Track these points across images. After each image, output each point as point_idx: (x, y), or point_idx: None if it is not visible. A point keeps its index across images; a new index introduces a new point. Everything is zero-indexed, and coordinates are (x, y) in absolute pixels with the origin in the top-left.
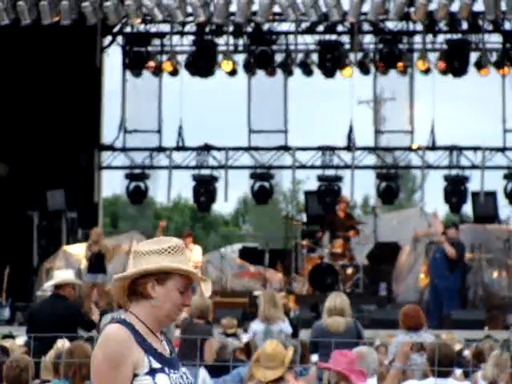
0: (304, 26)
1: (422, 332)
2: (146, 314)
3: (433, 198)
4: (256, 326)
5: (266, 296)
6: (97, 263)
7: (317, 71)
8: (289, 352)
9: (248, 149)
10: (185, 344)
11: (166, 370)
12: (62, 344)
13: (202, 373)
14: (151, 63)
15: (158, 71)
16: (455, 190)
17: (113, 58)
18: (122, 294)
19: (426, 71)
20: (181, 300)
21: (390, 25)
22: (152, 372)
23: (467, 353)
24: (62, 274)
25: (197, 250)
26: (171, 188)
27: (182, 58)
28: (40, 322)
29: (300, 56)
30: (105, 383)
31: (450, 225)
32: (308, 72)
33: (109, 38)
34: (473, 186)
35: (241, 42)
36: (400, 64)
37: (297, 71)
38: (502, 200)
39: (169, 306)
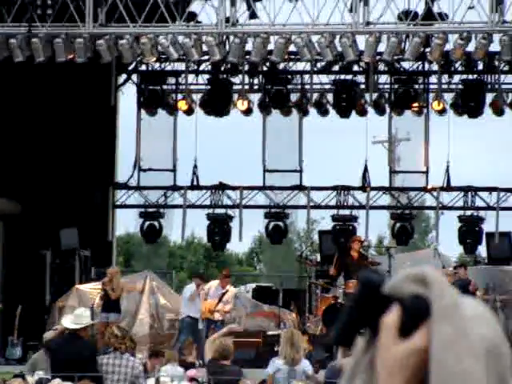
0: (319, 65)
1: None
2: None
3: (447, 238)
4: (278, 363)
5: (286, 335)
6: (110, 302)
7: (332, 111)
8: None
9: (263, 188)
10: None
11: None
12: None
13: None
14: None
15: (172, 110)
16: (470, 231)
17: (128, 97)
18: None
19: (442, 112)
20: None
21: (406, 65)
22: None
23: None
24: (83, 315)
25: (232, 293)
26: (185, 227)
27: (196, 97)
28: (60, 361)
29: (315, 95)
30: None
31: (459, 265)
32: (323, 111)
33: (123, 76)
34: (488, 226)
35: (256, 81)
36: (415, 104)
37: (312, 111)
38: None
39: None
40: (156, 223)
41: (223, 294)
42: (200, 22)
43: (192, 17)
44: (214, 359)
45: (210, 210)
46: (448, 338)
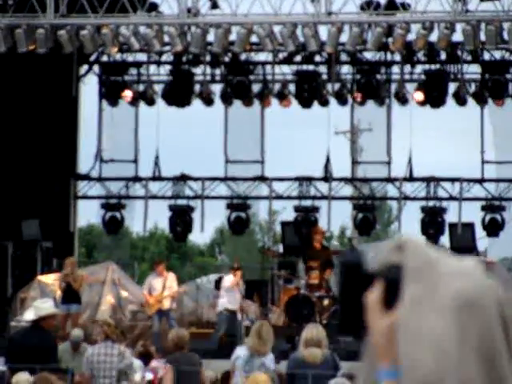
0: (281, 56)
1: None
2: None
3: (410, 229)
4: (240, 351)
5: (254, 326)
6: (71, 293)
7: (294, 101)
8: None
9: (224, 179)
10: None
11: None
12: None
13: None
14: (126, 95)
15: (134, 100)
16: (432, 222)
17: (89, 87)
18: None
19: (404, 102)
20: None
21: (368, 55)
22: None
23: None
24: (43, 306)
25: (171, 276)
26: (147, 218)
27: (158, 88)
28: (21, 353)
29: (277, 86)
30: None
31: None
32: (285, 102)
33: (85, 67)
34: (450, 217)
35: (218, 71)
36: (377, 95)
37: (274, 101)
38: (479, 232)
39: None
40: (118, 214)
41: (164, 280)
42: (161, 13)
43: (153, 7)
44: (170, 349)
45: (172, 201)
46: (415, 296)
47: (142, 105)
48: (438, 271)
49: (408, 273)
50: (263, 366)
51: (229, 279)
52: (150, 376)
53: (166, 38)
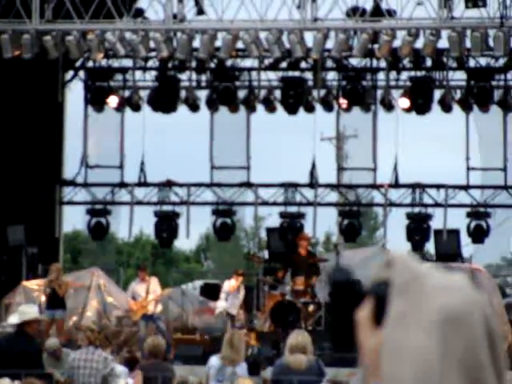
0: (267, 62)
1: None
2: None
3: (395, 235)
4: (213, 360)
5: (226, 336)
6: (55, 299)
7: (280, 107)
8: None
9: (210, 185)
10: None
11: None
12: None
13: None
14: (112, 101)
15: (120, 106)
16: (418, 228)
17: (75, 93)
18: None
19: (390, 108)
20: None
21: (354, 61)
22: None
23: None
24: (27, 311)
25: (154, 281)
26: (133, 224)
27: (144, 94)
28: (5, 358)
29: (263, 92)
30: None
31: None
32: (271, 108)
33: (71, 73)
34: (435, 223)
35: (204, 77)
36: (363, 101)
37: (260, 107)
38: (464, 238)
39: None
40: (103, 220)
41: (147, 286)
42: (147, 19)
43: (139, 13)
44: (145, 357)
45: (158, 207)
46: (399, 312)
47: (128, 110)
48: (425, 286)
49: (395, 289)
50: (235, 375)
51: (229, 283)
52: (132, 382)
53: (152, 44)
